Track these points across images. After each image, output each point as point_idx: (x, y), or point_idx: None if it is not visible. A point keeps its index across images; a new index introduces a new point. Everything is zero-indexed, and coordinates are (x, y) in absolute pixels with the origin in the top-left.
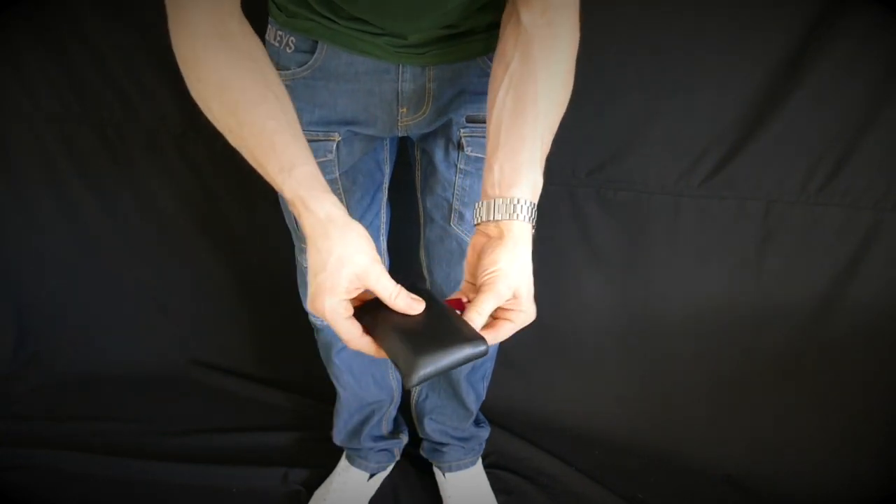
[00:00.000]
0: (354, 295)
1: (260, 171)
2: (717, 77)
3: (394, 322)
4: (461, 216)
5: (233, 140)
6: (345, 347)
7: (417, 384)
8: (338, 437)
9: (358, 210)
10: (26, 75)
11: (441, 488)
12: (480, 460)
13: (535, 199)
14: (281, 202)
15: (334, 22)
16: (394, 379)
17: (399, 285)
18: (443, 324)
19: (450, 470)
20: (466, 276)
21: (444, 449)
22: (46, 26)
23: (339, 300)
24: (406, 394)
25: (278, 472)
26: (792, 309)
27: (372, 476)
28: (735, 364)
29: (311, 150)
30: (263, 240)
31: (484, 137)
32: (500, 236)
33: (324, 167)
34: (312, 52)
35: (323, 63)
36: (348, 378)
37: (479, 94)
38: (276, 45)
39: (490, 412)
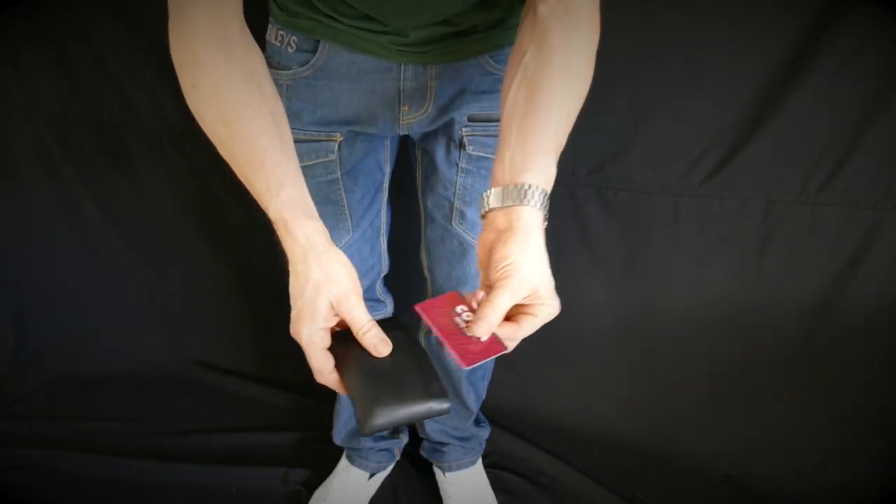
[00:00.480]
0: (333, 323)
1: (246, 185)
2: (717, 77)
3: (361, 360)
4: (462, 215)
5: (222, 150)
6: None
7: (370, 434)
8: (338, 437)
9: (359, 210)
10: (26, 75)
11: (441, 488)
12: (480, 460)
13: (548, 188)
14: None
15: (337, 21)
16: None
17: (372, 321)
18: (412, 372)
19: (450, 469)
20: (480, 278)
21: (445, 449)
22: (46, 26)
23: (317, 329)
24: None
25: (278, 472)
26: (792, 309)
27: (372, 476)
28: (735, 364)
29: (313, 152)
30: (263, 240)
31: (486, 136)
32: (510, 227)
33: (325, 167)
34: (314, 51)
35: (325, 62)
36: None
37: (482, 92)
38: (278, 44)
39: (490, 412)
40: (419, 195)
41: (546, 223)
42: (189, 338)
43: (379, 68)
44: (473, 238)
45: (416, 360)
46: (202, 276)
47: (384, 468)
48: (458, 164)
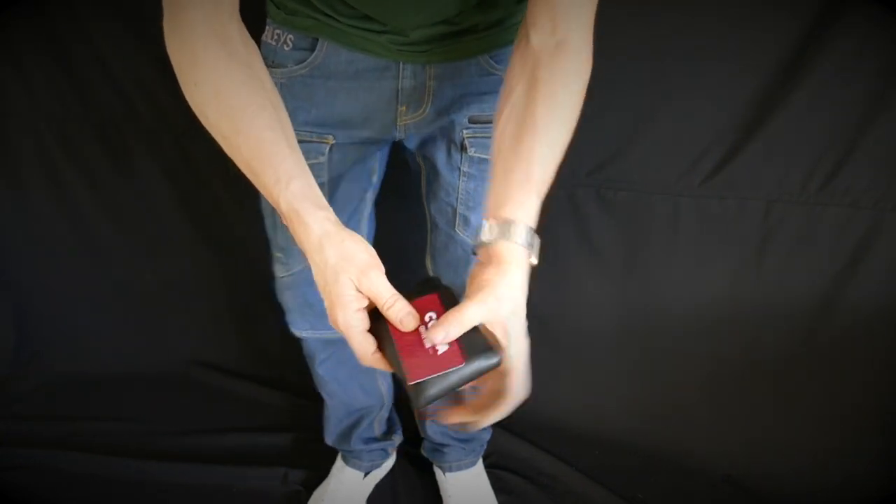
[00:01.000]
0: (365, 303)
1: (253, 180)
2: (717, 77)
3: (399, 334)
4: (466, 221)
5: (227, 147)
6: (326, 360)
7: (425, 406)
8: (329, 438)
9: (341, 218)
10: (27, 75)
11: (441, 488)
12: (481, 460)
13: (532, 223)
14: (264, 207)
15: (335, 20)
16: (383, 384)
17: (395, 295)
18: None
19: (450, 470)
20: None
21: (446, 450)
22: (46, 26)
23: (352, 312)
24: (399, 397)
25: (278, 472)
26: (792, 309)
27: (367, 475)
28: (735, 364)
29: (303, 154)
30: (264, 239)
31: (487, 138)
32: (492, 260)
33: (313, 169)
34: (312, 49)
35: (323, 61)
36: (334, 387)
37: (482, 94)
38: (273, 43)
39: None
40: (424, 202)
41: (532, 261)
42: (189, 338)
43: (377, 67)
44: None
45: None
46: (202, 275)
47: (378, 466)
48: (459, 169)
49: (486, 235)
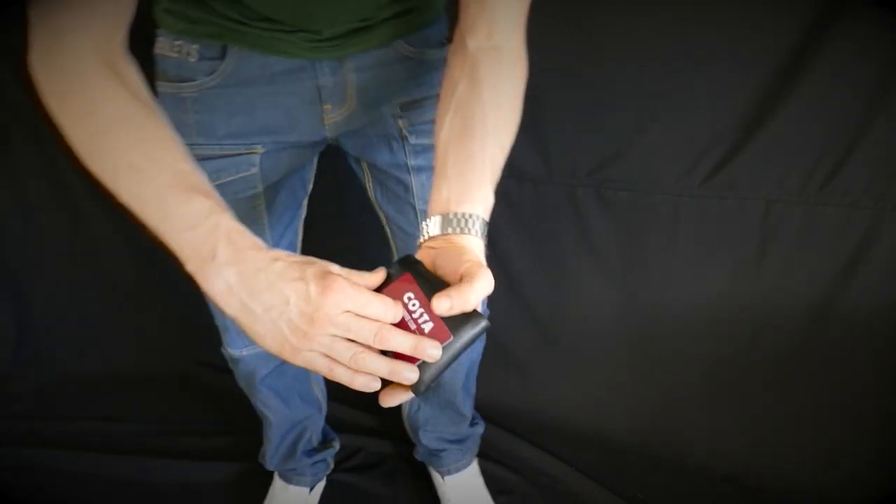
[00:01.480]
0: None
1: (161, 220)
2: (717, 77)
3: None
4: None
5: (128, 183)
6: (269, 373)
7: (426, 390)
8: (271, 463)
9: (278, 228)
10: (26, 75)
11: (439, 491)
12: (476, 460)
13: (487, 217)
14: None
15: (243, 24)
16: (317, 389)
17: (371, 293)
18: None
19: (448, 473)
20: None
21: (442, 454)
22: None
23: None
24: (331, 400)
25: None
26: (792, 309)
27: (312, 489)
28: (735, 363)
29: (232, 167)
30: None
31: (425, 124)
32: (453, 242)
33: (246, 181)
34: (221, 57)
35: (235, 68)
36: (276, 402)
37: (405, 79)
38: (175, 55)
39: (490, 412)
40: (378, 211)
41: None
42: (189, 338)
43: (293, 68)
44: None
45: (432, 292)
46: None
47: (321, 479)
48: (407, 164)
49: (442, 229)
